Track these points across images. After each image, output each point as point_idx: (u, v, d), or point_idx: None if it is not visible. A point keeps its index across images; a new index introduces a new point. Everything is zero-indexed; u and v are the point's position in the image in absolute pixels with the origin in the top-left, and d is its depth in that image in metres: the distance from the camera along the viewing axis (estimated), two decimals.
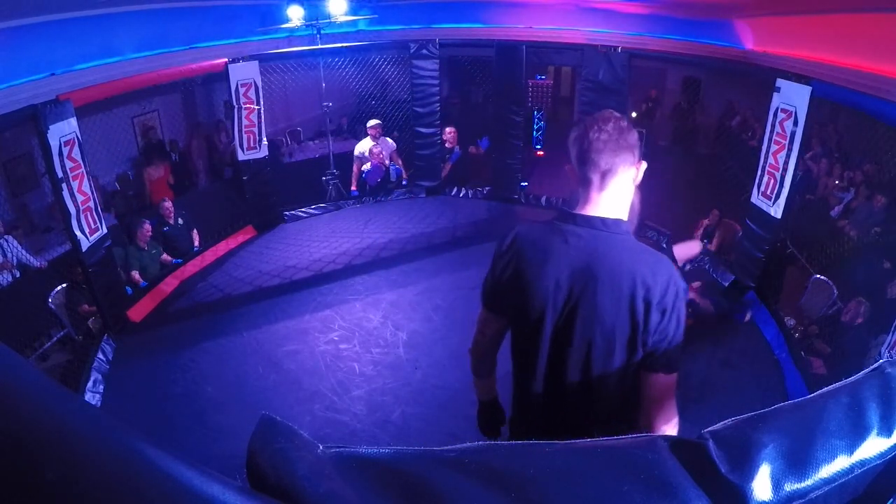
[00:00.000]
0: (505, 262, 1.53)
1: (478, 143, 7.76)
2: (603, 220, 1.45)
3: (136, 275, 5.45)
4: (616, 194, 1.47)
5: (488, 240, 6.48)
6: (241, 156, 6.43)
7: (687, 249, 4.23)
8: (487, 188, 7.67)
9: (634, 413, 1.54)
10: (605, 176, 1.44)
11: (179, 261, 5.87)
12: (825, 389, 0.77)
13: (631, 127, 1.48)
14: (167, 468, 0.43)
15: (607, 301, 1.41)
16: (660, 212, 6.77)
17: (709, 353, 4.46)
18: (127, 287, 5.26)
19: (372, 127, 7.23)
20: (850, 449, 0.67)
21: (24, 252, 4.97)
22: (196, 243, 6.19)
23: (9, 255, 4.83)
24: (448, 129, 7.66)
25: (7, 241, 4.86)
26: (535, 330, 1.51)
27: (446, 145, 7.69)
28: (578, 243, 1.44)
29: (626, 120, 1.48)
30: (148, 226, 5.56)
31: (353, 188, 7.50)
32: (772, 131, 4.83)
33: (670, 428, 1.48)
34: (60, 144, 4.27)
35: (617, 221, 1.46)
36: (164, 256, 5.79)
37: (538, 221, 1.58)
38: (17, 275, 4.85)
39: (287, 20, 6.00)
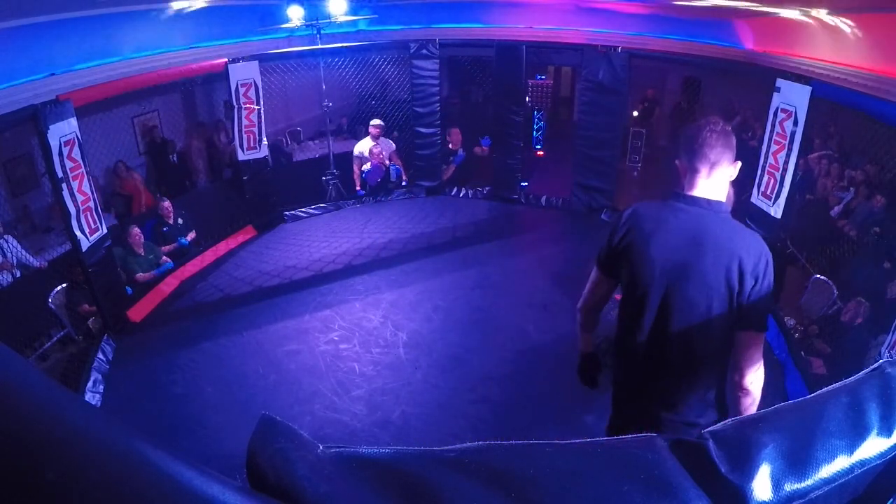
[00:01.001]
0: (623, 230, 1.83)
1: (481, 142, 7.76)
2: (707, 201, 1.76)
3: (140, 276, 5.45)
4: (718, 183, 1.78)
5: (488, 240, 6.50)
6: (241, 156, 6.43)
7: None
8: (487, 188, 7.68)
9: (724, 370, 1.81)
10: (712, 167, 1.76)
11: (171, 264, 5.76)
12: (825, 389, 0.77)
13: (732, 132, 1.81)
14: (167, 468, 0.43)
15: (710, 267, 1.68)
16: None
17: None
18: (127, 287, 5.25)
19: (374, 126, 7.23)
20: (850, 449, 0.67)
21: (23, 252, 4.96)
22: (190, 237, 6.17)
23: (9, 255, 4.83)
24: (453, 131, 7.66)
25: (7, 240, 4.86)
26: (644, 290, 1.78)
27: (450, 146, 7.69)
28: (686, 217, 1.74)
29: (729, 126, 1.79)
30: (136, 230, 5.46)
31: (358, 188, 7.50)
32: (772, 131, 4.83)
33: (758, 379, 1.75)
34: (60, 144, 4.27)
35: (719, 202, 1.77)
36: (164, 259, 5.77)
37: (650, 201, 1.90)
38: (18, 274, 4.85)
39: (287, 20, 6.00)
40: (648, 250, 1.75)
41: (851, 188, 5.76)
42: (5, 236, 4.88)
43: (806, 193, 6.01)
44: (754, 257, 1.67)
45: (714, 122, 1.77)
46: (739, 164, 1.81)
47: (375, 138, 7.28)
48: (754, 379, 1.74)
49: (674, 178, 1.91)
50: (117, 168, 6.28)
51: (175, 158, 7.17)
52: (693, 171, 1.78)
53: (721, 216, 1.74)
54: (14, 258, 4.88)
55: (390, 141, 7.51)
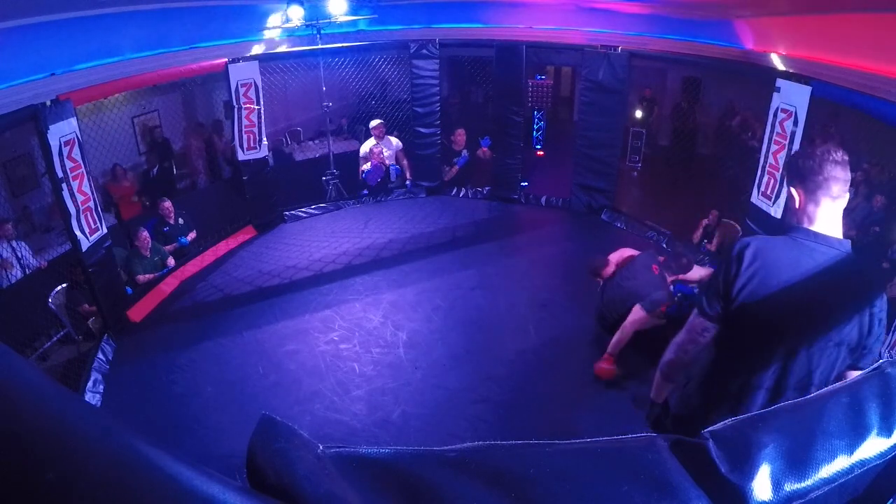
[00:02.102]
0: (748, 274, 1.66)
1: (481, 143, 7.76)
2: (839, 241, 1.67)
3: (141, 278, 5.46)
4: (839, 217, 1.71)
5: (488, 240, 6.50)
6: (241, 156, 6.43)
7: (703, 272, 4.43)
8: (487, 188, 7.67)
9: None
10: (835, 200, 1.68)
11: (165, 269, 5.79)
12: (825, 389, 0.77)
13: (848, 161, 1.71)
14: (167, 468, 0.43)
15: (847, 313, 1.62)
16: (660, 212, 6.79)
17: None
18: (127, 287, 5.26)
19: (374, 127, 7.23)
20: (850, 449, 0.67)
21: (29, 255, 4.98)
22: (191, 237, 6.17)
23: (5, 254, 4.83)
24: (458, 132, 7.66)
25: (19, 245, 4.89)
26: (772, 337, 1.67)
27: (455, 147, 7.69)
28: (822, 260, 1.64)
29: (846, 154, 1.71)
30: (146, 233, 5.50)
31: (364, 190, 7.50)
32: (772, 131, 4.83)
33: None
34: (60, 144, 4.27)
35: (846, 241, 1.68)
36: (170, 260, 5.78)
37: (771, 237, 1.77)
38: (19, 275, 4.85)
39: (287, 20, 6.00)
40: (783, 297, 1.63)
41: (850, 188, 5.76)
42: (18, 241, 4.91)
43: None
44: (882, 299, 1.65)
45: (835, 151, 1.68)
46: (848, 194, 1.74)
47: (379, 138, 7.28)
48: None
49: (787, 209, 1.80)
50: (115, 170, 6.27)
51: (171, 160, 7.18)
52: (815, 204, 1.68)
53: (851, 258, 1.67)
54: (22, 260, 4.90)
55: (396, 141, 7.49)
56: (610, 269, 4.49)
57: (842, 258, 1.64)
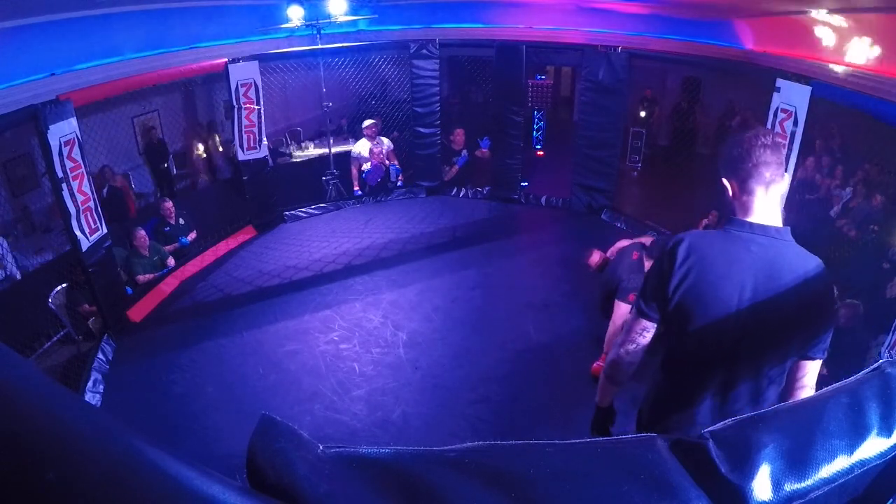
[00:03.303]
0: (682, 272, 1.59)
1: (480, 144, 7.76)
2: (777, 230, 1.59)
3: (141, 278, 5.46)
4: (776, 203, 1.62)
5: (488, 240, 6.50)
6: (241, 156, 6.43)
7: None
8: (487, 188, 7.68)
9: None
10: (768, 187, 1.59)
11: (166, 269, 5.79)
12: (825, 389, 0.77)
13: (782, 143, 1.64)
14: (167, 468, 0.43)
15: (792, 305, 1.53)
16: (660, 212, 6.79)
17: None
18: (127, 287, 5.26)
19: (367, 127, 7.22)
20: (850, 449, 0.67)
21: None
22: (191, 237, 6.18)
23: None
24: (457, 131, 7.66)
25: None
26: (714, 334, 1.58)
27: (454, 147, 7.69)
28: (760, 251, 1.55)
29: (779, 136, 1.61)
30: (142, 232, 5.49)
31: (356, 188, 7.51)
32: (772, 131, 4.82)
33: None
34: (60, 144, 4.27)
35: (786, 230, 1.60)
36: (170, 261, 5.78)
37: (705, 231, 1.68)
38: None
39: (287, 20, 6.00)
40: (721, 291, 1.55)
41: (848, 188, 5.77)
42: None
43: (805, 193, 6.01)
44: (826, 287, 1.59)
45: (764, 135, 1.60)
46: (788, 176, 1.65)
47: (372, 138, 7.28)
48: None
49: (722, 198, 1.72)
50: (103, 172, 6.21)
51: (168, 161, 7.16)
52: (748, 193, 1.60)
53: (791, 246, 1.58)
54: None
55: (387, 141, 7.50)
56: (595, 258, 4.46)
57: (781, 247, 1.56)
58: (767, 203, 1.60)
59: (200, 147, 7.60)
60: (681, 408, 1.72)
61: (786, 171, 1.63)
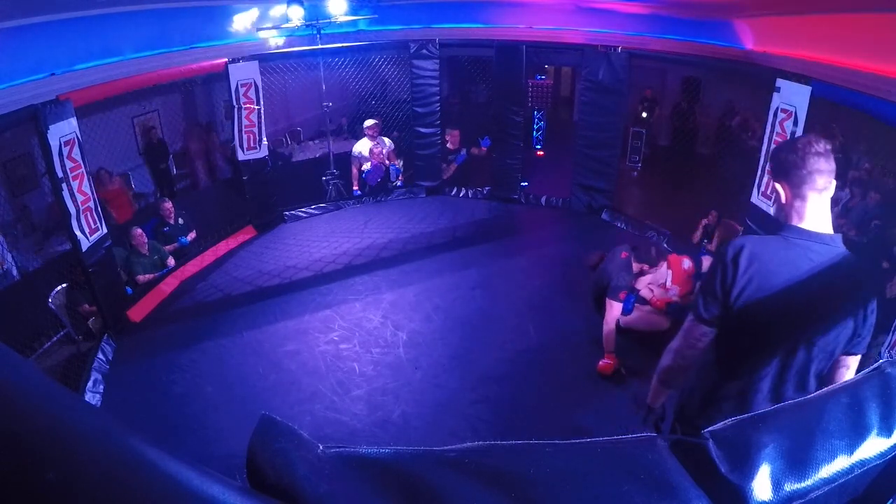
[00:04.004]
0: (746, 278, 1.64)
1: (479, 143, 7.76)
2: (831, 237, 1.66)
3: (141, 278, 5.46)
4: (827, 210, 1.69)
5: (488, 240, 6.50)
6: (241, 156, 6.43)
7: (663, 277, 4.45)
8: (487, 188, 7.68)
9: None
10: (821, 193, 1.66)
11: (166, 269, 5.79)
12: (825, 389, 0.77)
13: (832, 149, 1.71)
14: (167, 468, 0.43)
15: (845, 307, 1.63)
16: (660, 212, 6.79)
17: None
18: (127, 287, 5.26)
19: (369, 127, 7.23)
20: (850, 449, 0.67)
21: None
22: (191, 237, 6.18)
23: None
24: (452, 132, 7.66)
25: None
26: (774, 336, 1.67)
27: (449, 146, 7.69)
28: (817, 258, 1.63)
29: (829, 143, 1.69)
30: (139, 231, 5.48)
31: (355, 188, 7.51)
32: (772, 131, 4.83)
33: None
34: (60, 144, 4.27)
35: (838, 237, 1.67)
36: (170, 260, 5.78)
37: (763, 237, 1.73)
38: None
39: (287, 20, 6.00)
40: (783, 298, 1.61)
41: (846, 189, 5.77)
42: None
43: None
44: (873, 290, 1.67)
45: (816, 142, 1.66)
46: (835, 182, 1.71)
47: (373, 138, 7.28)
48: None
49: (777, 203, 1.76)
50: (100, 175, 6.19)
51: (168, 161, 7.17)
52: (802, 199, 1.66)
53: (843, 252, 1.65)
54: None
55: (388, 140, 7.50)
56: (595, 258, 4.56)
57: (836, 255, 1.63)
58: (820, 209, 1.67)
59: (198, 148, 7.59)
60: (736, 404, 1.78)
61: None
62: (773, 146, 4.83)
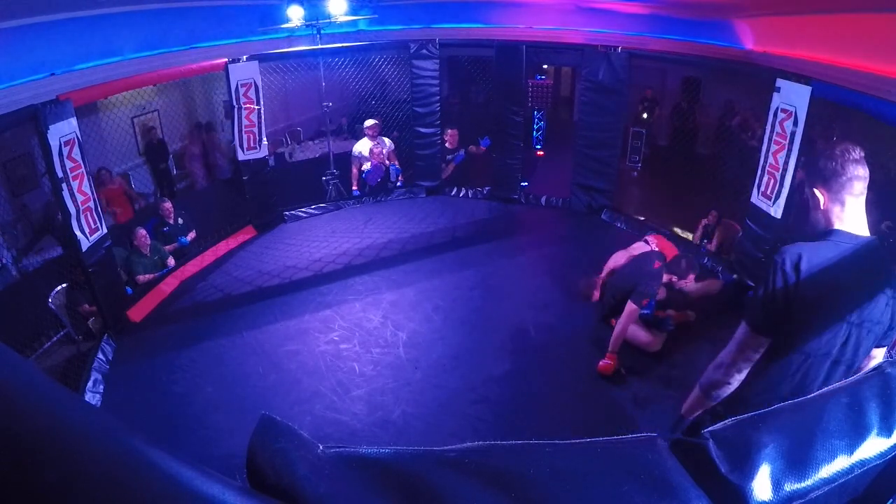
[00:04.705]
0: (805, 284, 1.69)
1: (479, 142, 7.76)
2: (871, 239, 1.76)
3: (141, 278, 5.47)
4: (864, 213, 1.79)
5: (488, 240, 6.50)
6: (241, 156, 6.43)
7: (695, 286, 4.46)
8: (487, 188, 7.68)
9: None
10: (858, 198, 1.75)
11: (166, 269, 5.80)
12: (825, 389, 0.77)
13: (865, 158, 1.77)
14: (167, 468, 0.43)
15: (883, 304, 1.72)
16: (660, 212, 6.79)
17: (709, 352, 4.45)
18: (127, 287, 5.26)
19: (369, 127, 7.23)
20: (850, 449, 0.67)
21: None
22: (191, 237, 6.18)
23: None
24: (450, 131, 7.67)
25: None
26: (829, 335, 1.72)
27: (448, 146, 7.70)
28: (863, 260, 1.72)
29: (862, 150, 1.77)
30: (143, 231, 5.51)
31: (355, 188, 7.51)
32: (772, 131, 4.83)
33: None
34: (60, 144, 4.27)
35: (874, 238, 1.78)
36: (170, 261, 5.78)
37: (815, 244, 1.77)
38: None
39: (287, 20, 6.00)
40: (837, 299, 1.71)
41: None
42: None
43: (803, 193, 6.00)
44: None
45: (853, 149, 1.75)
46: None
47: (373, 138, 7.28)
48: None
49: (809, 206, 1.85)
50: (100, 174, 6.20)
51: (167, 162, 7.16)
52: (840, 204, 1.76)
53: (881, 251, 1.77)
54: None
55: (388, 141, 7.51)
56: (596, 294, 4.74)
57: (875, 254, 1.74)
58: (858, 213, 1.77)
59: (199, 150, 7.59)
60: (784, 399, 1.79)
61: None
62: (772, 146, 4.83)
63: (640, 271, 4.22)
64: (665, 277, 4.18)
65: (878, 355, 1.83)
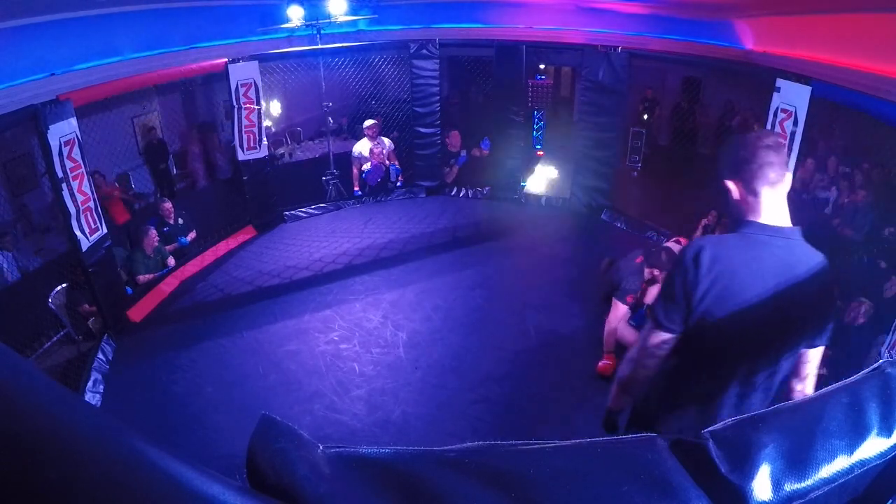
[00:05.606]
0: (709, 280, 1.58)
1: (480, 144, 7.76)
2: (790, 230, 1.63)
3: (142, 278, 5.47)
4: (783, 203, 1.65)
5: (488, 240, 6.50)
6: (240, 156, 6.43)
7: None
8: (487, 188, 7.68)
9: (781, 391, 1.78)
10: (774, 187, 1.61)
11: (166, 269, 5.80)
12: (825, 389, 0.77)
13: (784, 143, 1.65)
14: (167, 468, 0.43)
15: (807, 301, 1.59)
16: (660, 211, 6.79)
17: None
18: (127, 287, 5.26)
19: (368, 127, 7.23)
20: (850, 449, 0.67)
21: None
22: (191, 237, 6.18)
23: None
24: (452, 133, 7.67)
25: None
26: (740, 335, 1.61)
27: (450, 149, 7.69)
28: (779, 253, 1.59)
29: (780, 136, 1.61)
30: (153, 232, 5.55)
31: (356, 188, 7.51)
32: (772, 131, 4.83)
33: (812, 387, 1.75)
34: (60, 144, 4.27)
35: (797, 229, 1.64)
36: (170, 260, 5.78)
37: (722, 236, 1.68)
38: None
39: (287, 20, 6.00)
40: (748, 296, 1.57)
41: (833, 187, 5.78)
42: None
43: (803, 193, 6.02)
44: (831, 280, 1.65)
45: (766, 136, 1.63)
46: (790, 175, 1.67)
47: (373, 138, 7.28)
48: (814, 387, 1.76)
49: (725, 199, 1.72)
50: (94, 177, 6.13)
51: (167, 162, 7.15)
52: (754, 195, 1.62)
53: (802, 244, 1.63)
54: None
55: (388, 141, 7.51)
56: (606, 264, 4.64)
57: (794, 247, 1.61)
58: (775, 203, 1.63)
59: (199, 150, 7.58)
60: (702, 403, 1.75)
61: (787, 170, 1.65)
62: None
63: (624, 267, 4.16)
64: (647, 272, 4.07)
65: (813, 357, 1.70)
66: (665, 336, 1.69)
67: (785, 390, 1.76)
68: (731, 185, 1.66)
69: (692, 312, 1.62)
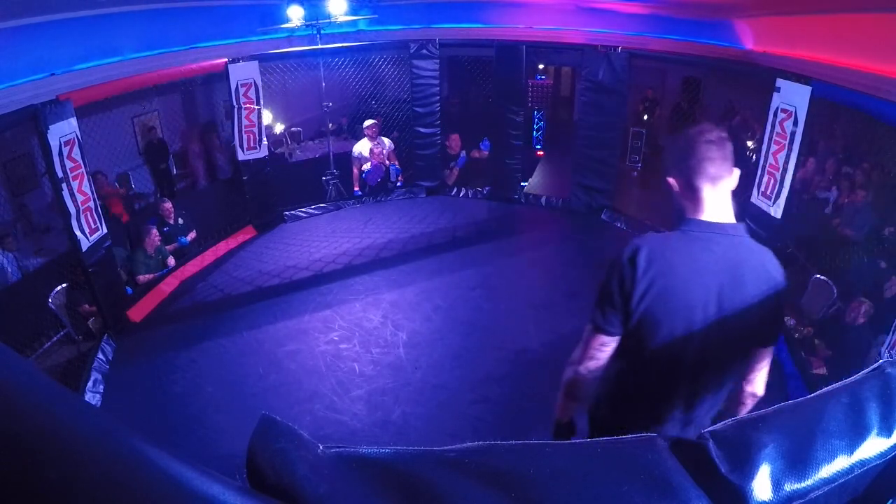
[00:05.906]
0: (647, 280, 1.53)
1: (479, 145, 7.76)
2: (733, 227, 1.57)
3: (142, 278, 5.47)
4: (726, 199, 1.59)
5: (488, 240, 6.49)
6: (240, 156, 6.43)
7: None
8: (487, 188, 7.68)
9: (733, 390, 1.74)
10: (715, 183, 1.56)
11: (166, 269, 5.80)
12: (825, 389, 0.77)
13: (728, 137, 1.59)
14: (167, 468, 0.43)
15: (756, 300, 1.53)
16: (660, 211, 6.79)
17: None
18: (127, 287, 5.26)
19: (368, 127, 7.23)
20: (850, 449, 0.67)
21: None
22: (191, 237, 6.18)
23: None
24: (452, 136, 7.68)
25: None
26: (684, 337, 1.55)
27: (450, 151, 7.70)
28: (721, 251, 1.53)
29: (724, 131, 1.59)
30: (155, 231, 5.56)
31: (356, 189, 7.51)
32: (772, 131, 4.83)
33: (762, 387, 1.70)
34: (60, 144, 4.27)
35: (741, 226, 1.59)
36: (170, 260, 5.78)
37: (662, 235, 1.62)
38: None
39: (287, 20, 6.00)
40: (689, 297, 1.52)
41: (834, 187, 5.78)
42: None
43: (803, 193, 6.02)
44: (781, 279, 1.58)
45: (707, 131, 1.57)
46: (738, 171, 1.61)
47: (373, 138, 7.29)
48: (764, 386, 1.71)
49: (669, 197, 1.68)
50: (96, 178, 6.13)
51: (168, 162, 7.15)
52: (694, 191, 1.57)
53: (747, 241, 1.58)
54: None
55: (388, 141, 7.51)
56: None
57: (738, 244, 1.55)
58: (717, 200, 1.57)
59: (200, 149, 7.57)
60: (649, 408, 1.71)
61: (734, 166, 1.59)
62: (772, 146, 4.83)
63: None
64: None
65: (768, 354, 1.66)
66: (604, 339, 1.63)
67: (735, 390, 1.72)
68: (672, 181, 1.63)
69: (632, 314, 1.56)
